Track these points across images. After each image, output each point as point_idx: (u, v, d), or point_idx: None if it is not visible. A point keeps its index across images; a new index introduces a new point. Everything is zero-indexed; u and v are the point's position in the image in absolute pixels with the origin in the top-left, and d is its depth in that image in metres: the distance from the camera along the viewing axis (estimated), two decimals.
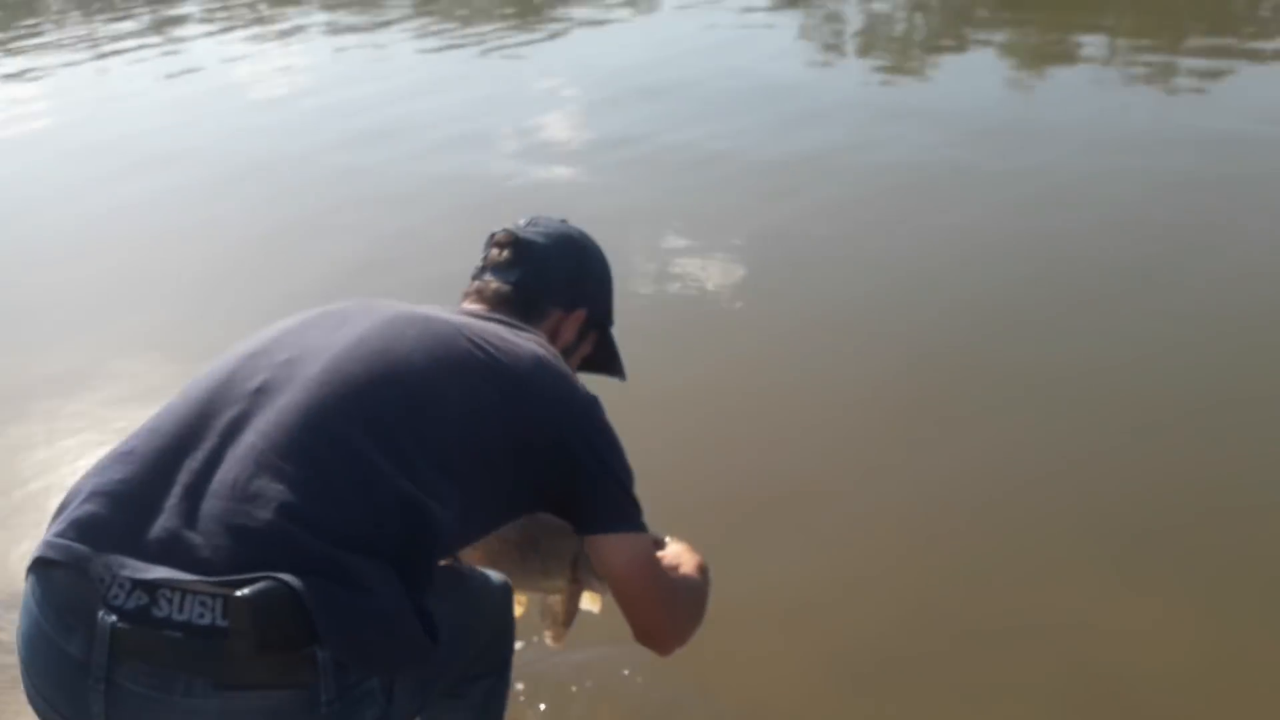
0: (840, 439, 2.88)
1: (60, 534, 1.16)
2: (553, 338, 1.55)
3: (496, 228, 1.63)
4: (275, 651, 1.08)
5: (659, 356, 3.01)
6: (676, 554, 1.58)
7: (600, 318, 1.68)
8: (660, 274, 4.06)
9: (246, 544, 1.10)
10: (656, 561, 1.45)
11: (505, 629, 1.56)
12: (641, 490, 1.39)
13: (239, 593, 1.05)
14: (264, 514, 1.11)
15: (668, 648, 1.47)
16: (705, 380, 3.21)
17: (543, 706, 1.99)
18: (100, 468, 1.22)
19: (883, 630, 2.18)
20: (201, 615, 1.09)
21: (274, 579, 1.06)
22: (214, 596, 1.08)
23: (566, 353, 1.57)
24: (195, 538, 1.11)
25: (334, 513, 1.14)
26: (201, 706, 1.10)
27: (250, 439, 1.17)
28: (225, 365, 1.30)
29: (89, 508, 1.16)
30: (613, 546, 1.36)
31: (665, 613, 1.44)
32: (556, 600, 1.60)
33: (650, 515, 1.41)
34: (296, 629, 1.08)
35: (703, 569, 1.58)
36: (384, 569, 1.15)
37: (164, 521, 1.12)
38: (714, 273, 4.09)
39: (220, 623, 1.08)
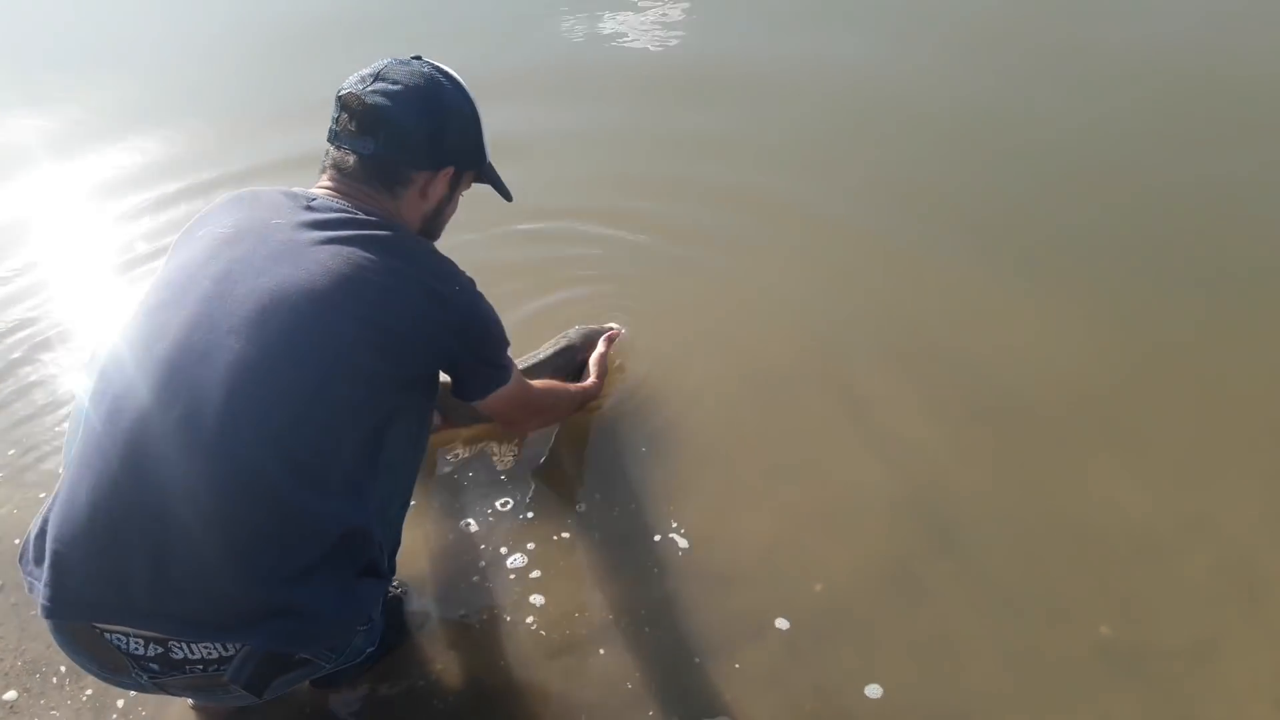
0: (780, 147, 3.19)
1: (56, 599, 1.34)
2: (423, 196, 1.59)
3: (344, 82, 1.55)
4: (277, 674, 1.41)
5: None
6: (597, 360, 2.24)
7: (470, 164, 1.66)
8: None
9: (216, 610, 1.34)
10: (523, 396, 1.80)
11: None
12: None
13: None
14: (223, 584, 1.32)
15: (515, 433, 2.13)
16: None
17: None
18: (58, 515, 1.36)
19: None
20: (210, 651, 1.36)
21: (244, 652, 1.36)
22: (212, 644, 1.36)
23: (440, 207, 1.64)
24: (174, 605, 1.33)
25: (273, 562, 1.36)
26: (245, 697, 1.42)
27: (185, 511, 1.31)
28: (125, 397, 1.35)
29: (67, 572, 1.34)
30: (488, 404, 1.72)
31: (524, 424, 2.06)
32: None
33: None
34: (283, 660, 1.41)
35: (600, 369, 2.22)
36: (329, 571, 1.39)
37: (144, 589, 1.32)
38: None
39: (228, 651, 1.36)
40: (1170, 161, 3.08)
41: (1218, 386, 2.26)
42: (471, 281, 1.58)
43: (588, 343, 2.32)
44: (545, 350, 2.27)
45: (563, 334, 2.33)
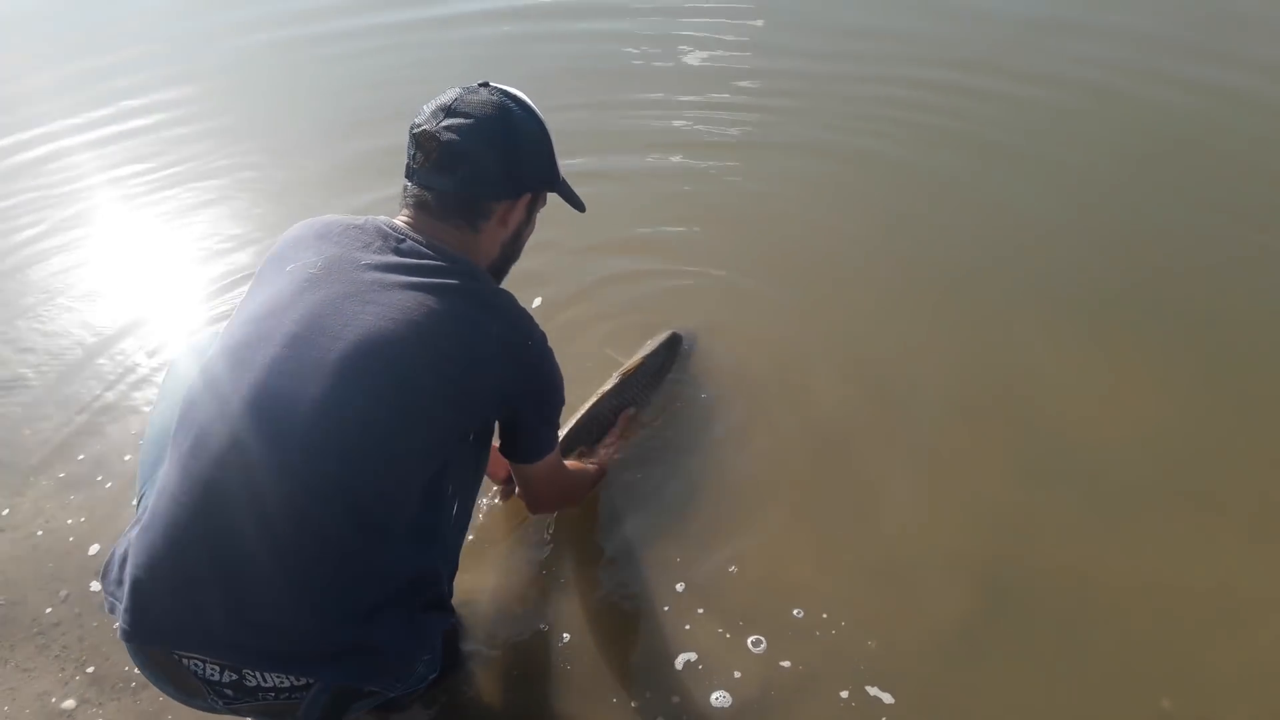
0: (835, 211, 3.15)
1: (135, 625, 1.39)
2: (503, 224, 1.61)
3: (415, 117, 1.56)
4: (348, 704, 1.49)
5: None
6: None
7: (546, 185, 1.69)
8: None
9: (289, 644, 1.39)
10: (558, 473, 1.81)
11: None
12: None
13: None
14: (296, 621, 1.38)
15: (540, 514, 2.04)
16: None
17: None
18: (139, 543, 1.40)
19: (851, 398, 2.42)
20: (283, 681, 1.41)
21: (316, 688, 1.42)
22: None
23: (519, 231, 1.67)
24: (248, 638, 1.38)
25: (344, 604, 1.40)
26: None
27: (260, 552, 1.36)
28: (207, 433, 1.39)
29: (146, 600, 1.39)
30: (531, 470, 1.73)
31: (550, 504, 1.98)
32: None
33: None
34: (353, 692, 1.47)
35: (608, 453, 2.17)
36: (397, 608, 1.45)
37: (220, 621, 1.37)
38: None
39: (300, 681, 1.41)
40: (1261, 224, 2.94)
41: None
42: (544, 336, 1.60)
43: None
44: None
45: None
